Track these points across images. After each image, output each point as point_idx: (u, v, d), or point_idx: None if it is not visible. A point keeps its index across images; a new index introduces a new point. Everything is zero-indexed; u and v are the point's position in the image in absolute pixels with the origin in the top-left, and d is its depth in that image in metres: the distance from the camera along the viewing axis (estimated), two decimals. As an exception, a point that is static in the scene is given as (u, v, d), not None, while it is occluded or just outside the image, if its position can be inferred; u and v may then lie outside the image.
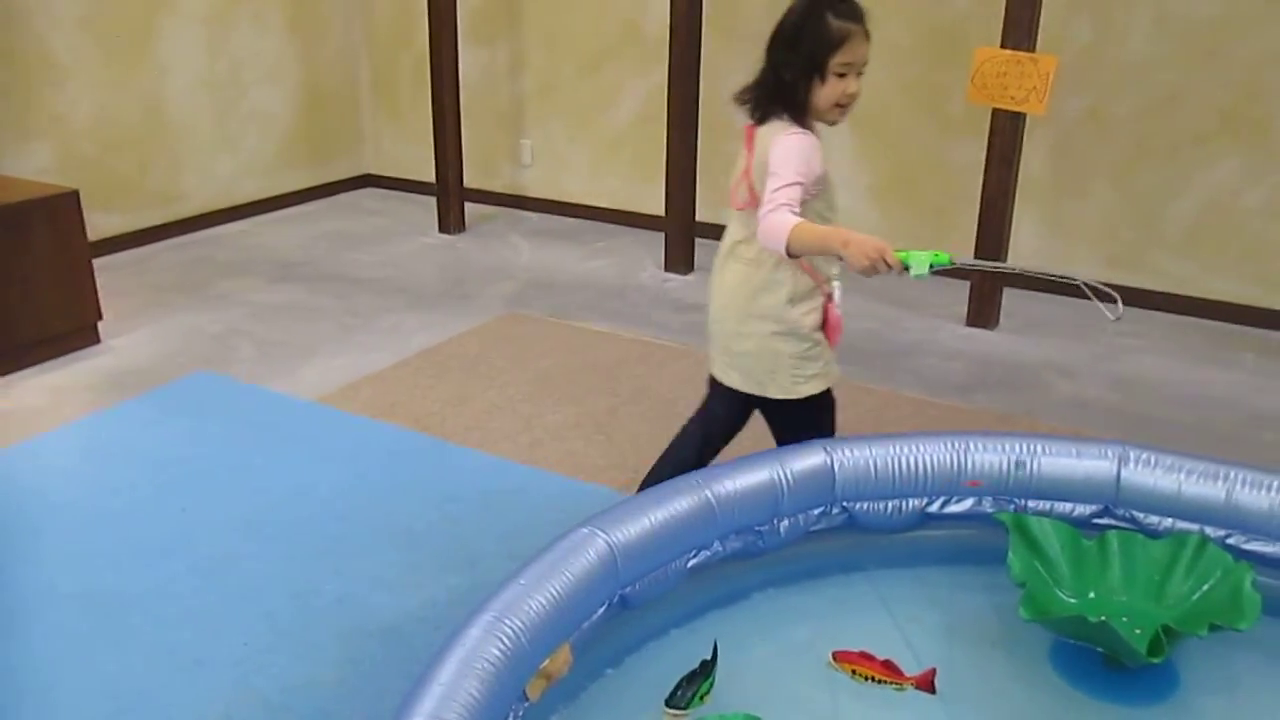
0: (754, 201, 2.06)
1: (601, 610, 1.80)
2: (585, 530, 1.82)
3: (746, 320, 2.15)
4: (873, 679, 1.77)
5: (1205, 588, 1.94)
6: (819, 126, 2.09)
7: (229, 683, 2.02)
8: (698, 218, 4.65)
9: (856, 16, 2.00)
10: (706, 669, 1.77)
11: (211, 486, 2.74)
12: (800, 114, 2.04)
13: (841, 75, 2.00)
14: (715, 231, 4.90)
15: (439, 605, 2.25)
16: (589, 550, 1.78)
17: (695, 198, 4.60)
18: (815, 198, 2.06)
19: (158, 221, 4.95)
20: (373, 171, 6.12)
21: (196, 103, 5.03)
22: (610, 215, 5.39)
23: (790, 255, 1.96)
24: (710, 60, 4.44)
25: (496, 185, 5.72)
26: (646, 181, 5.10)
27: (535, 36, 5.38)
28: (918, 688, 1.74)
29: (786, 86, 2.03)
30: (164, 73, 4.85)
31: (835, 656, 1.81)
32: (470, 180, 5.35)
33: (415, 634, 2.15)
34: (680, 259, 4.62)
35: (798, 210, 1.94)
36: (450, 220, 5.19)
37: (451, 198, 5.17)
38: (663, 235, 4.67)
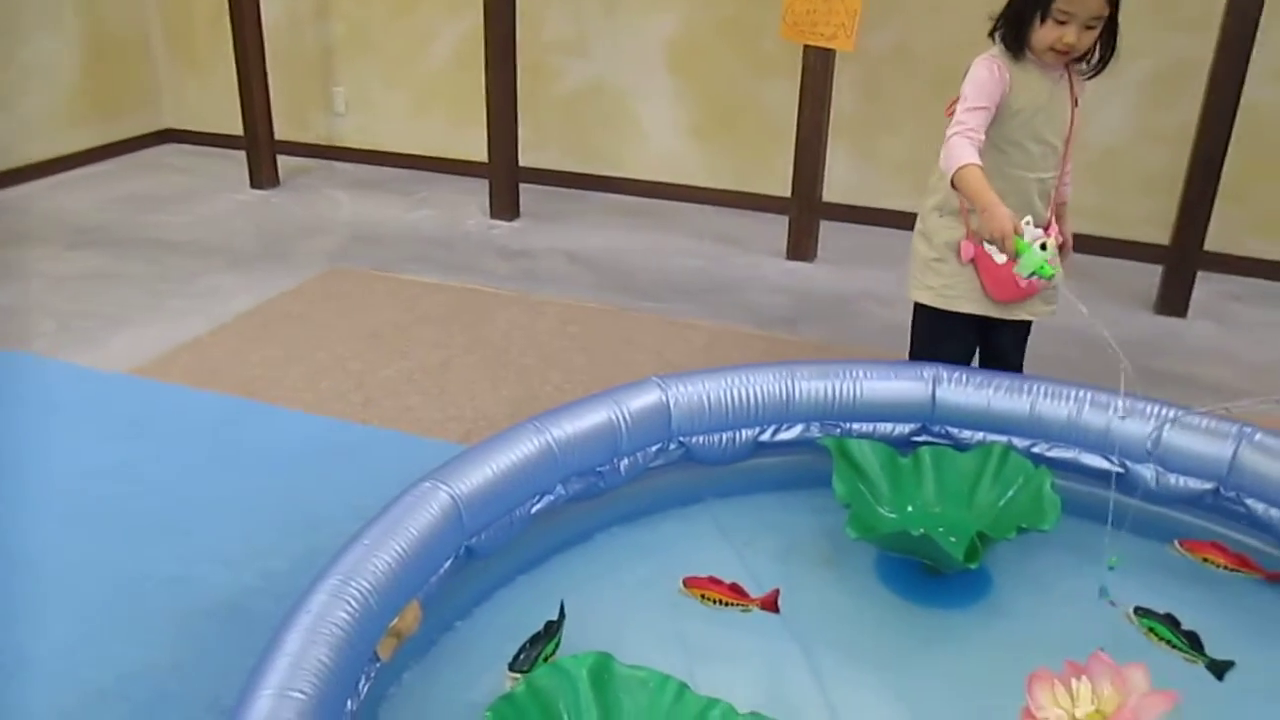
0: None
1: (448, 563, 1.80)
2: (427, 484, 1.80)
3: (919, 216, 2.35)
4: (721, 602, 1.84)
5: (1010, 494, 2.09)
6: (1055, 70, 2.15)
7: (57, 677, 1.91)
8: (521, 163, 4.60)
9: None
10: (552, 630, 1.75)
11: (17, 474, 2.56)
12: (1018, 46, 2.12)
13: (1062, 22, 2.04)
14: (540, 176, 4.92)
15: (280, 575, 2.19)
16: (432, 504, 1.77)
17: (518, 142, 4.54)
18: (995, 125, 2.14)
19: (-71, 188, 4.55)
20: (173, 126, 5.77)
21: (-35, 55, 4.61)
22: (431, 163, 5.27)
23: (952, 186, 2.10)
24: (526, 3, 4.36)
25: (310, 136, 5.50)
26: (466, 127, 5.00)
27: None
28: (762, 608, 1.82)
29: (1015, 16, 2.11)
30: (-76, 23, 4.42)
31: (685, 583, 1.87)
32: (281, 132, 5.11)
33: (257, 607, 2.08)
34: (506, 205, 4.57)
35: (979, 138, 2.08)
36: (263, 175, 4.96)
37: (262, 151, 4.93)
38: (487, 182, 4.60)
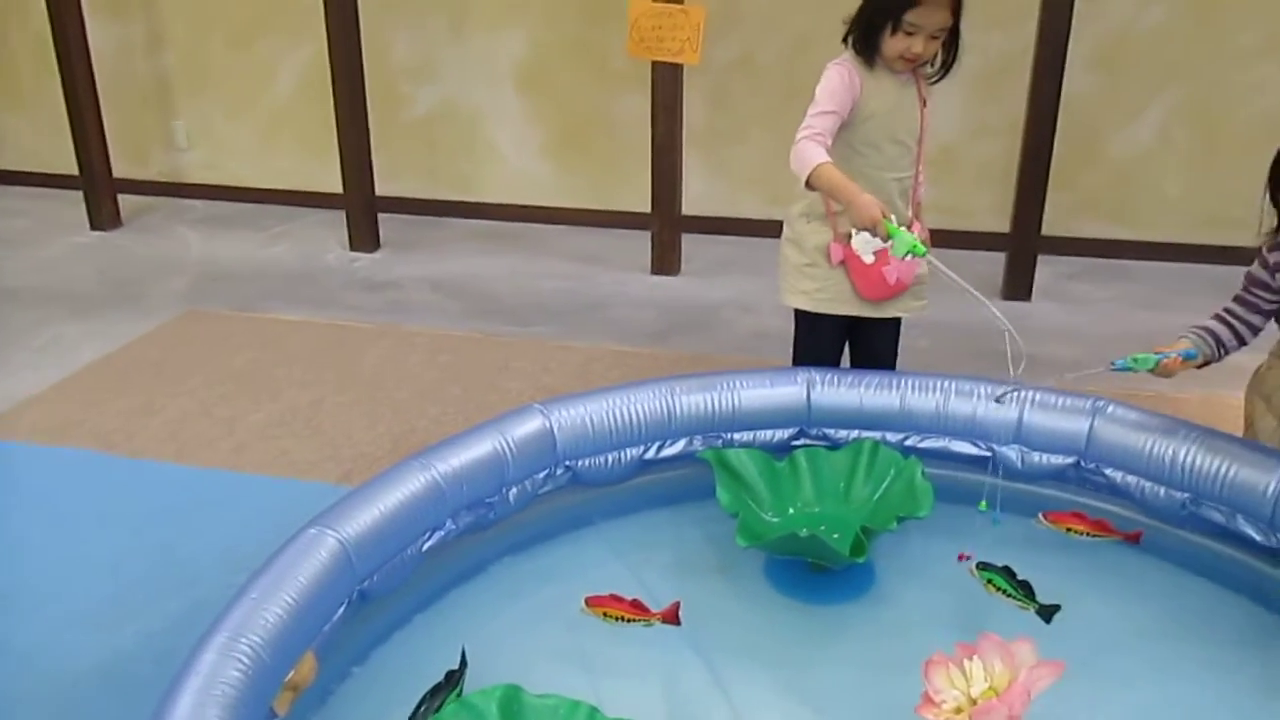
0: None
1: (341, 610, 1.76)
2: (313, 530, 1.75)
3: (786, 223, 2.40)
4: (623, 618, 1.85)
5: (884, 486, 2.17)
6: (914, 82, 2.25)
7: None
8: (378, 192, 4.53)
9: None
10: (453, 679, 1.69)
11: None
12: (870, 53, 2.19)
13: (910, 33, 2.12)
14: (398, 205, 4.85)
15: (158, 635, 2.09)
16: (320, 550, 1.72)
17: (373, 171, 4.47)
18: (850, 128, 2.22)
19: None
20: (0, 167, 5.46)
21: None
22: (284, 196, 5.12)
23: (808, 187, 2.14)
24: (370, 29, 4.30)
25: (151, 173, 5.28)
26: (318, 158, 4.89)
27: (172, 8, 4.97)
28: (664, 621, 1.84)
29: (866, 24, 2.18)
30: None
31: (587, 602, 1.88)
32: (120, 169, 4.89)
33: (137, 671, 1.99)
34: (365, 237, 4.49)
35: (827, 140, 2.13)
36: (103, 215, 4.74)
37: (100, 190, 4.72)
38: (344, 214, 4.51)
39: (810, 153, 2.13)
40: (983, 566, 1.91)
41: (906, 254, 2.02)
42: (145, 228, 4.83)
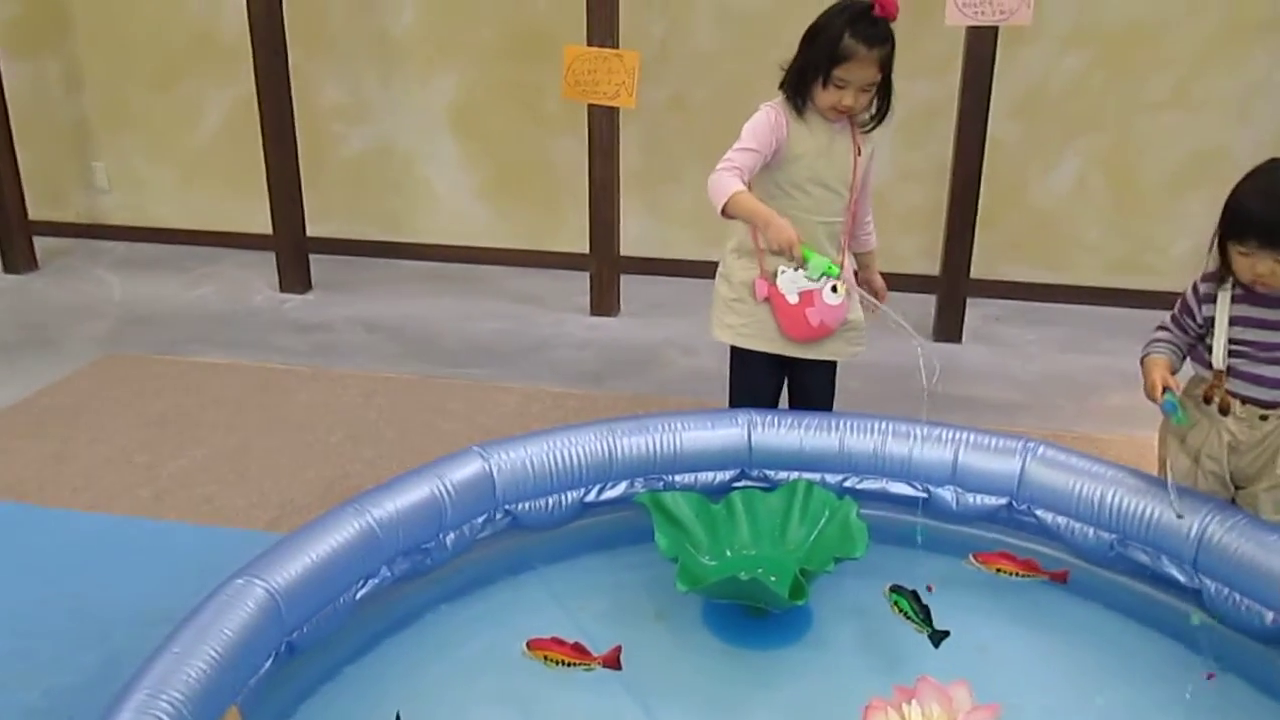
0: None
1: (268, 663, 1.69)
2: (241, 581, 1.69)
3: (721, 258, 2.43)
4: (564, 663, 1.81)
5: (820, 526, 2.18)
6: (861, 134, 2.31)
7: None
8: (309, 233, 4.46)
9: (872, 41, 2.13)
10: None
11: None
12: (801, 100, 2.24)
13: (840, 87, 2.17)
14: (329, 245, 4.78)
15: (70, 691, 1.99)
16: (247, 601, 1.66)
17: (304, 212, 4.40)
18: (777, 169, 2.26)
19: None
20: (-94, 210, 5.26)
21: None
22: (209, 238, 5.02)
23: (725, 215, 2.18)
24: (298, 70, 4.25)
25: (69, 215, 5.14)
26: (245, 199, 4.81)
27: (91, 48, 4.88)
28: (604, 665, 1.81)
29: (797, 73, 2.23)
30: None
31: (529, 645, 1.84)
32: (36, 211, 4.74)
33: (46, 731, 1.89)
34: (296, 278, 4.41)
35: (745, 176, 2.17)
36: (17, 257, 4.59)
37: (15, 232, 4.57)
38: (273, 254, 4.42)
39: (726, 182, 2.17)
40: (895, 589, 1.95)
41: (822, 275, 2.12)
42: (62, 270, 4.68)
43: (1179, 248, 4.23)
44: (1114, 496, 2.06)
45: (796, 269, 2.21)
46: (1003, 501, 2.19)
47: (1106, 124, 4.17)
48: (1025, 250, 4.38)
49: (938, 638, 1.87)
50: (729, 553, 2.17)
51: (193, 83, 4.83)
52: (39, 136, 4.95)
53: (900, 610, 1.91)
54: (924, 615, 1.89)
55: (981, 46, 3.58)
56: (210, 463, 2.90)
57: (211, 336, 3.90)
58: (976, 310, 4.09)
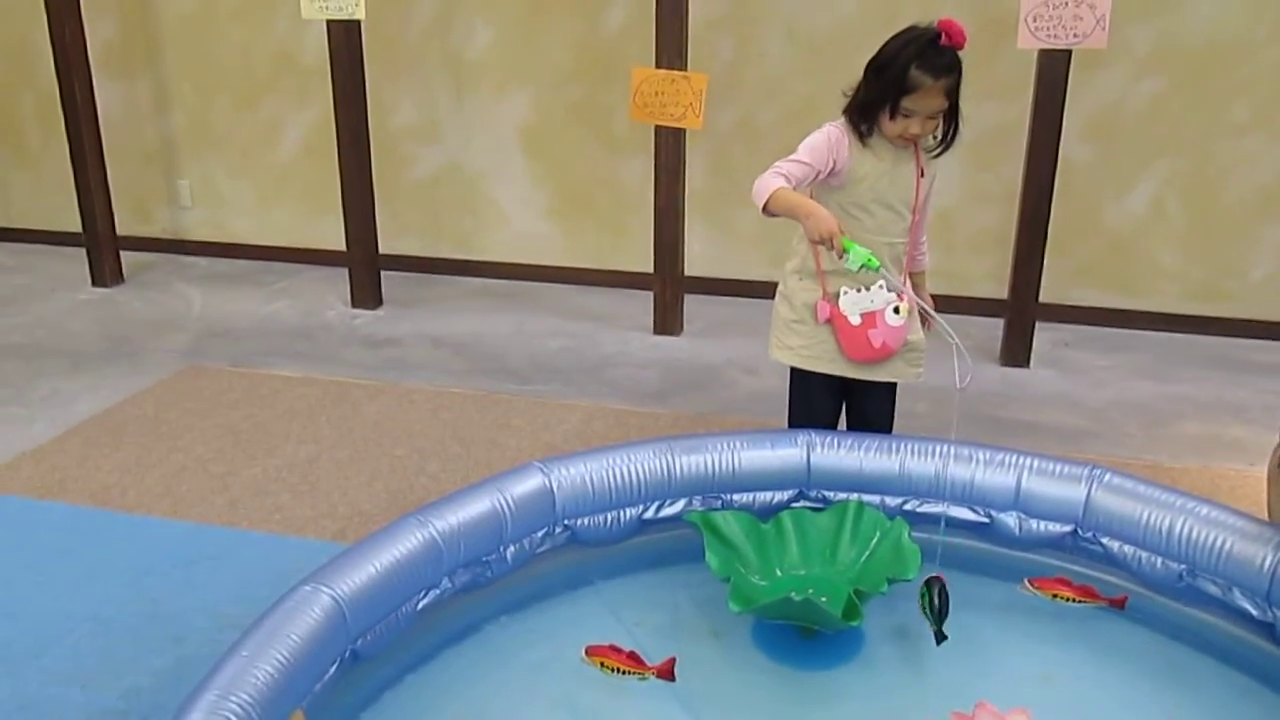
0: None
1: (333, 669, 1.73)
2: (308, 587, 1.74)
3: (781, 280, 2.44)
4: (619, 670, 1.83)
5: (871, 547, 2.17)
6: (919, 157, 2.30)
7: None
8: (381, 250, 4.56)
9: (939, 72, 2.13)
10: None
11: None
12: (867, 126, 2.23)
13: (907, 116, 2.17)
14: (400, 263, 4.88)
15: (144, 693, 2.06)
16: (314, 608, 1.71)
17: (377, 229, 4.51)
18: (840, 190, 2.27)
19: None
20: (2, 225, 5.50)
21: None
22: (285, 254, 5.16)
23: (766, 212, 2.17)
24: (374, 91, 4.37)
25: (155, 230, 5.32)
26: (321, 216, 4.94)
27: (180, 70, 5.06)
28: (659, 676, 1.82)
29: (863, 101, 2.22)
30: None
31: (587, 651, 1.86)
32: (123, 227, 4.93)
33: (121, 729, 1.96)
34: (367, 294, 4.51)
35: (790, 183, 2.16)
36: (105, 272, 4.76)
37: (103, 247, 4.74)
38: (346, 270, 4.54)
39: (769, 181, 2.17)
40: (929, 583, 1.96)
41: (861, 267, 2.09)
42: (147, 284, 4.85)
43: (1259, 274, 4.12)
44: (1184, 526, 2.01)
45: (840, 256, 2.14)
46: (1068, 528, 2.16)
47: (1185, 147, 4.09)
48: (1098, 275, 4.31)
49: (940, 637, 1.89)
50: (779, 572, 2.17)
51: (274, 103, 4.98)
52: (129, 155, 5.15)
53: (922, 604, 1.94)
54: (938, 614, 1.91)
55: (1054, 69, 3.54)
56: (281, 473, 2.98)
57: (286, 350, 4.01)
58: (1045, 335, 4.02)
